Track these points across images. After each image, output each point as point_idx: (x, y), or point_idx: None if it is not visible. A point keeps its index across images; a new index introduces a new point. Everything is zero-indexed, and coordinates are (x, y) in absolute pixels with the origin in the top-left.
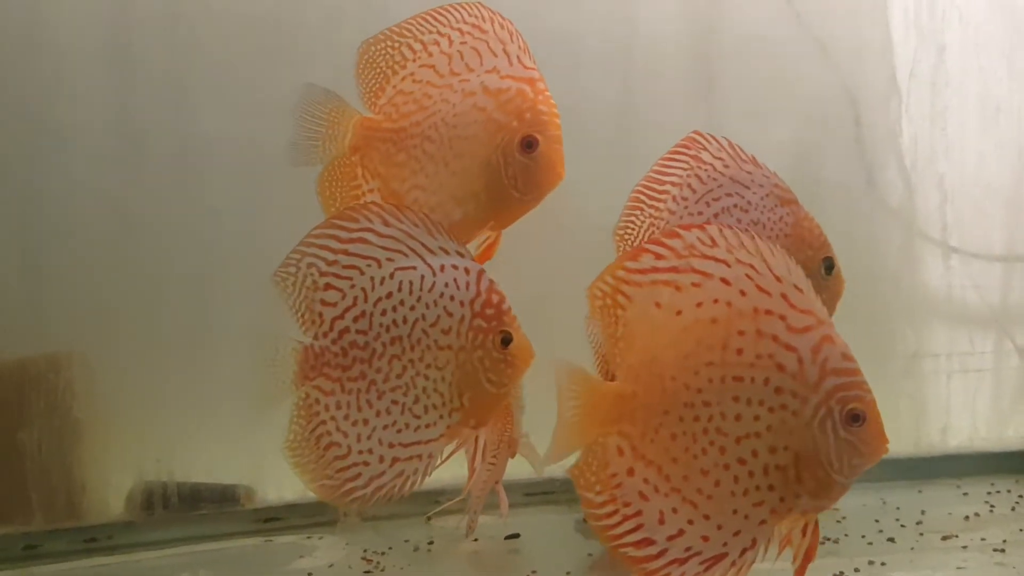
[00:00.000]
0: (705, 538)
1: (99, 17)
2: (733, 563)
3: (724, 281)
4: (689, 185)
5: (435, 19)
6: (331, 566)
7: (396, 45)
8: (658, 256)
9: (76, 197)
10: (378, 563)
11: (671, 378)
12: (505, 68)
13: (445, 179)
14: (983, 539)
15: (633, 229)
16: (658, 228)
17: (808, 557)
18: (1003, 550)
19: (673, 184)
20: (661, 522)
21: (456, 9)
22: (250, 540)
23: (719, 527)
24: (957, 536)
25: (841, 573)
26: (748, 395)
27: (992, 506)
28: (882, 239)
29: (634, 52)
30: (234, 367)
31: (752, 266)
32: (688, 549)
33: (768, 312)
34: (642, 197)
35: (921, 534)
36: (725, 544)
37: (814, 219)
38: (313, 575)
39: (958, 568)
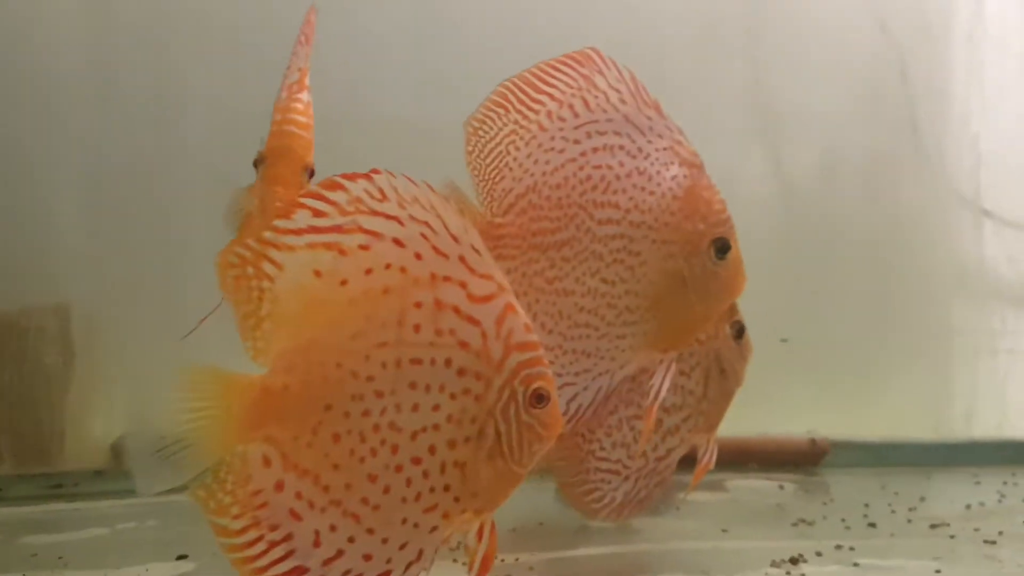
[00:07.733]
0: (367, 557)
1: None
2: None
3: (397, 242)
4: (571, 106)
5: None
6: None
7: None
8: (317, 213)
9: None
10: None
11: (335, 365)
12: None
13: None
14: (976, 529)
15: (491, 126)
16: (519, 139)
17: (486, 563)
18: (995, 542)
19: (552, 98)
20: (316, 544)
21: None
22: None
23: (384, 541)
24: (948, 525)
25: (800, 556)
26: (427, 380)
27: (1002, 496)
28: (909, 204)
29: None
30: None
31: (428, 224)
32: (347, 572)
33: (447, 279)
34: (510, 97)
35: (909, 521)
36: (389, 561)
37: (718, 192)
38: None
39: (934, 558)
